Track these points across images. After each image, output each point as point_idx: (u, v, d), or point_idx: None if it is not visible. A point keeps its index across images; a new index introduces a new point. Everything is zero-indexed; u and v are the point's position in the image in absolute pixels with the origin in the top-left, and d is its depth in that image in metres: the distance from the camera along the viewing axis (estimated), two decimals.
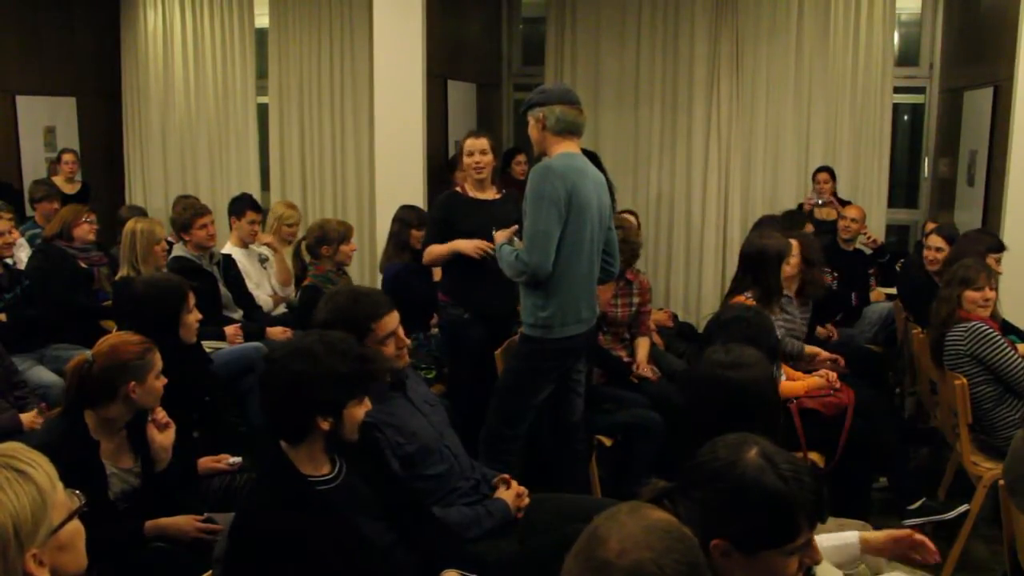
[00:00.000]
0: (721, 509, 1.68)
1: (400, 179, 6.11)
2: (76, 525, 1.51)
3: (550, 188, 3.45)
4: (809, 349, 4.49)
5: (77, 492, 1.55)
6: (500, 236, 3.75)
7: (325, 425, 2.26)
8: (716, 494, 1.70)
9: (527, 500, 2.96)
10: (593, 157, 4.16)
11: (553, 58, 7.43)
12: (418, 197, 5.94)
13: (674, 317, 6.11)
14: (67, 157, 7.55)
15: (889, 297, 5.83)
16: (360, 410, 2.33)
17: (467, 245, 4.38)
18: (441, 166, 6.72)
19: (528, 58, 8.17)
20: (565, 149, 3.60)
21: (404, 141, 6.13)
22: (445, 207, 4.61)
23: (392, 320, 2.79)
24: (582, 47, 7.36)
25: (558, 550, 2.52)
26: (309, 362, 2.24)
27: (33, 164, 7.96)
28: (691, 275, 7.31)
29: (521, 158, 7.22)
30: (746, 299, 3.98)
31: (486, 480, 3.02)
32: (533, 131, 3.67)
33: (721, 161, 7.08)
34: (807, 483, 1.70)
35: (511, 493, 2.94)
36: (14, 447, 1.50)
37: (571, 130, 3.62)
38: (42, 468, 1.48)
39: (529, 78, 7.94)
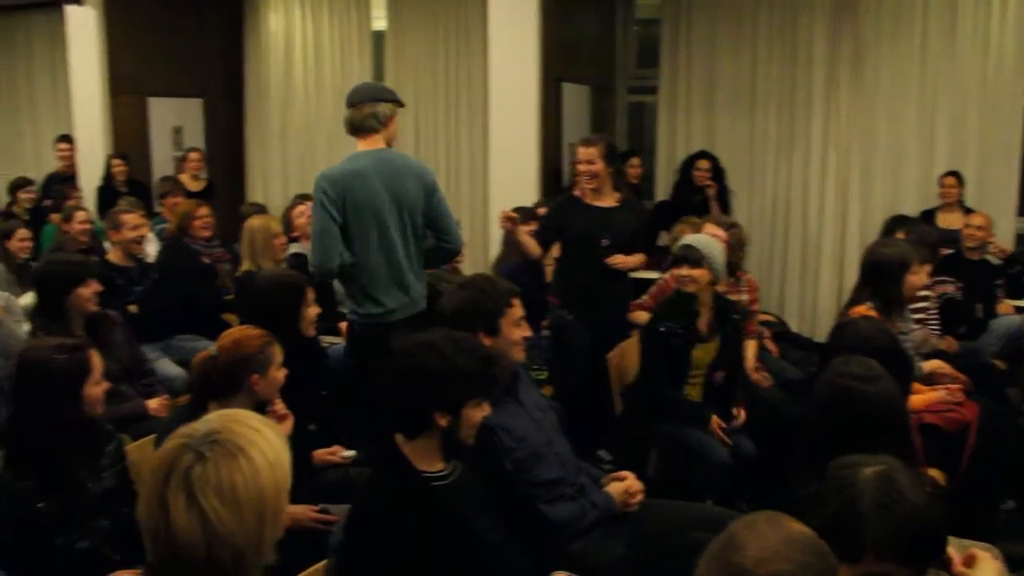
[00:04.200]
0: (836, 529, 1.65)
1: (514, 181, 6.14)
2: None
3: (322, 194, 3.70)
4: (931, 364, 4.26)
5: None
6: None
7: (443, 421, 2.28)
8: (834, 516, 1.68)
9: (639, 497, 2.94)
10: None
11: (668, 60, 7.36)
12: (531, 199, 5.96)
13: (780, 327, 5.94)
14: (193, 155, 7.85)
15: (1018, 310, 5.59)
16: (479, 413, 2.35)
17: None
18: (555, 168, 6.72)
19: (643, 60, 8.10)
20: (362, 147, 3.83)
21: (518, 143, 6.16)
22: (557, 210, 4.64)
23: (520, 307, 2.88)
24: (697, 49, 7.26)
25: (666, 557, 2.50)
26: (434, 357, 2.27)
27: (162, 163, 8.31)
28: (807, 284, 7.09)
29: (635, 161, 7.17)
30: (867, 310, 3.81)
31: (593, 481, 3.01)
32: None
33: (839, 167, 6.87)
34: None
35: (620, 487, 2.94)
36: (242, 410, 1.62)
37: (361, 128, 3.82)
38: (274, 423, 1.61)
39: (643, 80, 7.89)
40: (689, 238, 4.08)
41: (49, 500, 2.64)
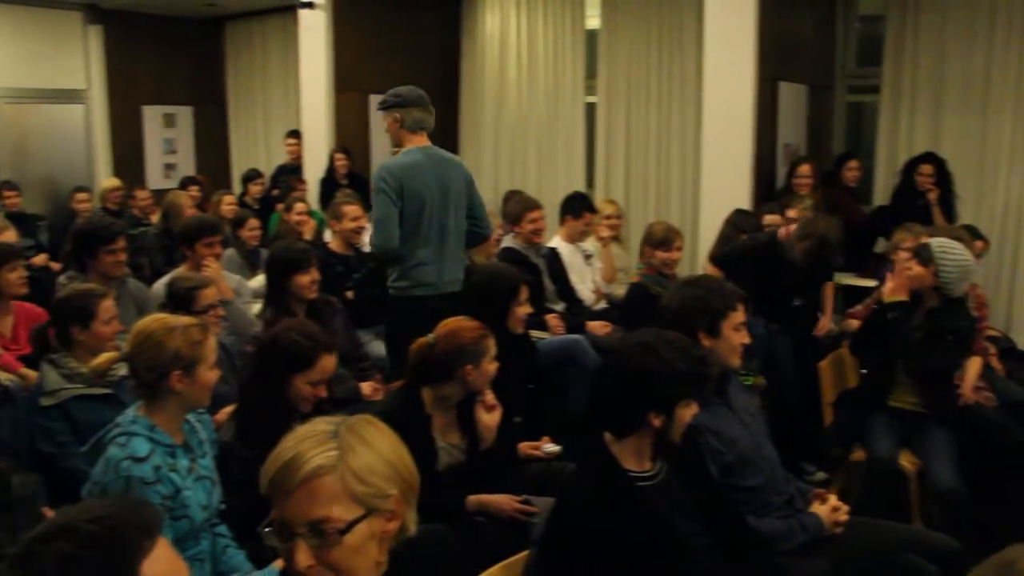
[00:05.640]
0: None
1: (726, 182, 6.03)
2: None
3: (383, 183, 4.22)
4: None
5: None
6: None
7: (657, 422, 2.29)
8: None
9: (844, 516, 2.84)
10: None
11: (892, 58, 7.00)
12: (744, 200, 5.84)
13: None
14: None
15: None
16: (688, 412, 2.34)
17: None
18: (769, 170, 6.55)
19: (863, 58, 7.75)
20: (414, 143, 4.34)
21: (732, 144, 6.05)
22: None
23: (744, 312, 2.87)
24: (925, 47, 6.86)
25: None
26: (651, 357, 2.28)
27: (381, 157, 8.64)
28: None
29: (853, 164, 6.85)
30: None
31: (801, 495, 2.93)
32: (392, 128, 4.41)
33: None
34: None
35: (827, 508, 2.84)
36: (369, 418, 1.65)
37: (420, 127, 4.36)
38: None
39: (864, 79, 7.55)
40: (938, 240, 3.91)
41: None
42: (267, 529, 1.53)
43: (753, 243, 4.96)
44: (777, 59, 6.42)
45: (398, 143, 4.46)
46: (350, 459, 1.51)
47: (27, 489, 2.32)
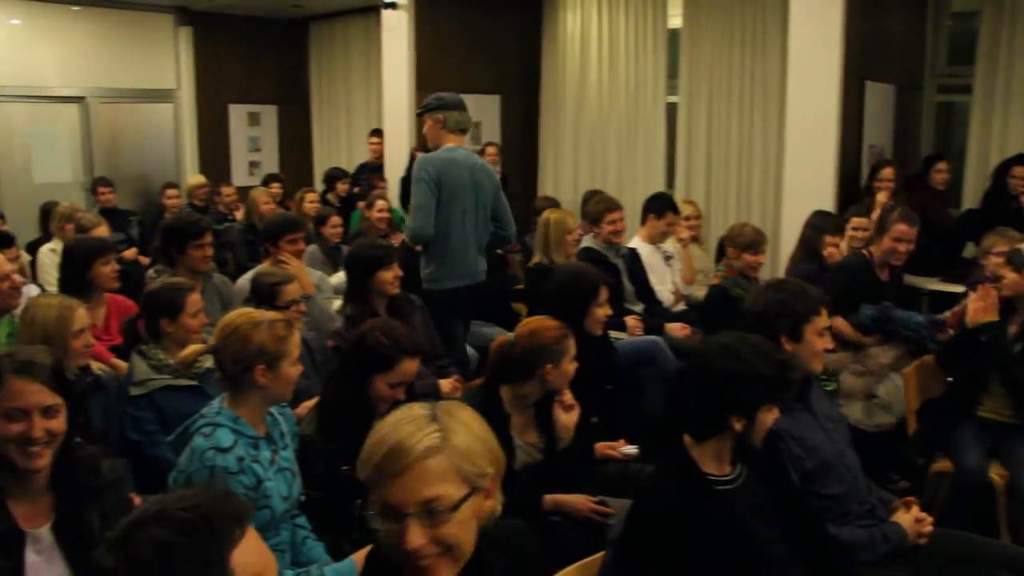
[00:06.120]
0: None
1: (810, 183, 5.92)
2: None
3: (424, 173, 4.53)
4: None
5: None
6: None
7: (738, 426, 2.27)
8: None
9: (929, 528, 2.76)
10: None
11: (985, 57, 6.79)
12: (827, 202, 5.73)
13: None
14: (490, 150, 8.19)
15: None
16: (770, 417, 2.31)
17: None
18: (853, 171, 6.42)
19: (955, 57, 7.55)
20: (452, 143, 4.69)
21: (816, 144, 5.94)
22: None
23: (827, 317, 2.83)
24: (1021, 45, 6.66)
25: None
26: (734, 360, 2.26)
27: None
28: None
29: (942, 166, 6.66)
30: None
31: (883, 504, 2.87)
32: (432, 129, 4.73)
33: None
34: None
35: (910, 518, 2.77)
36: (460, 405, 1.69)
37: (461, 128, 4.73)
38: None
39: (955, 79, 7.34)
40: None
41: (350, 465, 2.85)
42: (370, 512, 1.57)
43: (848, 272, 4.79)
44: (864, 58, 6.28)
45: (436, 144, 4.75)
46: (454, 440, 1.56)
47: (115, 474, 2.39)
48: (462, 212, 4.62)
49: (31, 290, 4.77)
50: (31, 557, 2.12)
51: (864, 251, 4.73)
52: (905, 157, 6.89)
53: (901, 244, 4.51)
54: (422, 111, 4.80)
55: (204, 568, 1.26)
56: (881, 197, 5.90)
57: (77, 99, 9.87)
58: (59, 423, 2.16)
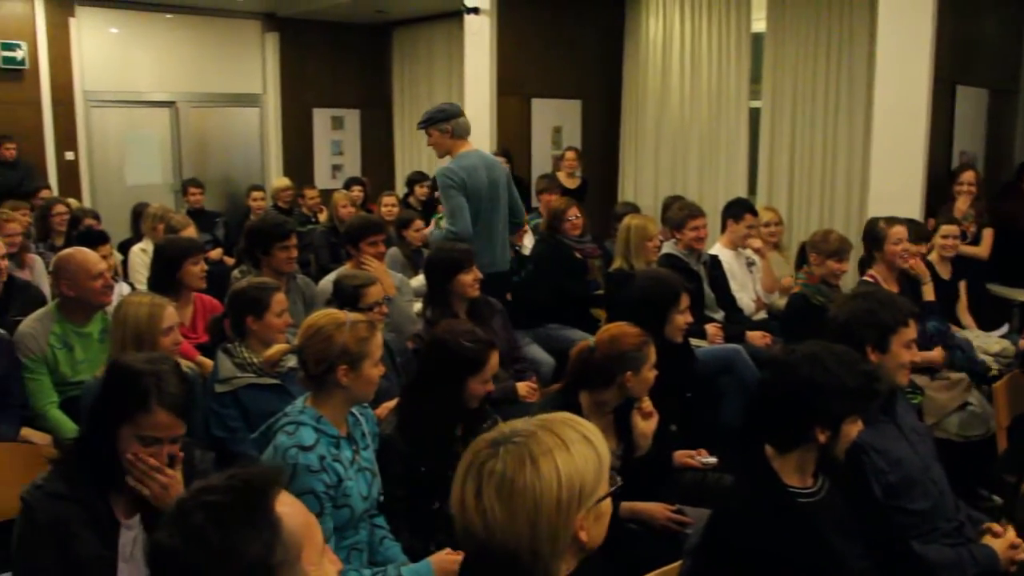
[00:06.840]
0: None
1: (897, 190, 5.78)
2: (609, 501, 1.61)
3: (452, 180, 4.85)
4: None
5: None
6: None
7: (823, 437, 2.22)
8: None
9: (1023, 555, 2.67)
10: None
11: None
12: (915, 210, 5.58)
13: None
14: (569, 155, 8.19)
15: None
16: (854, 429, 2.26)
17: None
18: (943, 178, 6.25)
19: None
20: (464, 148, 5.05)
21: (904, 150, 5.79)
22: None
23: (915, 329, 2.78)
24: None
25: None
26: (819, 370, 2.22)
27: (541, 160, 8.76)
28: None
29: None
30: None
31: (973, 523, 2.78)
32: (440, 140, 5.04)
33: None
34: None
35: (1004, 542, 2.66)
36: (575, 418, 1.64)
37: (467, 133, 5.09)
38: (600, 440, 1.61)
39: None
40: None
41: (429, 465, 2.88)
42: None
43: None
44: (955, 61, 6.11)
45: (447, 152, 5.08)
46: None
47: (204, 464, 2.47)
48: (488, 213, 5.00)
49: (123, 288, 4.92)
50: (123, 544, 2.20)
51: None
52: (999, 163, 6.69)
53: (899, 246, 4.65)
54: (427, 124, 5.06)
55: (253, 517, 1.33)
56: (961, 203, 5.73)
57: (168, 104, 10.17)
58: (178, 447, 2.27)
